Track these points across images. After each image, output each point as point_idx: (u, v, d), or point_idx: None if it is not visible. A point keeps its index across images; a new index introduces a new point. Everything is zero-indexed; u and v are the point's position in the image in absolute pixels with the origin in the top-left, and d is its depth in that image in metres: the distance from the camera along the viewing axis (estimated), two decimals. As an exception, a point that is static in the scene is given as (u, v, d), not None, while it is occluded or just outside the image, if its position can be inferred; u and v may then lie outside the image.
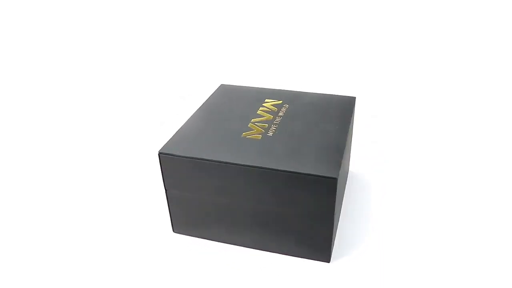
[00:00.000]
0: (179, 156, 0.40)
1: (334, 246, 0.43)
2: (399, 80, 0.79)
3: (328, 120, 0.45)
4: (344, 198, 0.49)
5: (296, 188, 0.38)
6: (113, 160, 0.58)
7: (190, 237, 0.45)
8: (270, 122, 0.45)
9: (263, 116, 0.46)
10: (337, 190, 0.37)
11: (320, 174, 0.36)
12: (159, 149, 0.41)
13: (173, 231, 0.45)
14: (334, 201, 0.37)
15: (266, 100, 0.49)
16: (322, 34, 0.94)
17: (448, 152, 0.58)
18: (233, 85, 0.54)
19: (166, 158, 0.40)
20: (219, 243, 0.44)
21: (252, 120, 0.45)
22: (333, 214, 0.38)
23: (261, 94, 0.51)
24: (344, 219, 0.47)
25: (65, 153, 0.60)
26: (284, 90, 0.52)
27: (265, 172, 0.37)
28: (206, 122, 0.45)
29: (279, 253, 0.42)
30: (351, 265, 0.41)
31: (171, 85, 0.81)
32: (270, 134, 0.42)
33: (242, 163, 0.38)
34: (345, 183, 0.50)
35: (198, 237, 0.45)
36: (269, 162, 0.38)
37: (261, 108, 0.47)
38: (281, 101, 0.49)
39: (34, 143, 0.62)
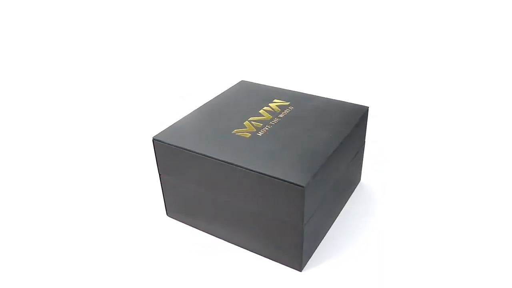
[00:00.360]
0: (169, 144, 0.42)
1: (315, 254, 0.42)
2: (402, 82, 0.79)
3: (327, 127, 0.43)
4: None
5: (267, 191, 0.38)
6: (112, 154, 0.60)
7: (181, 223, 0.47)
8: (266, 122, 0.45)
9: (263, 116, 0.46)
10: (309, 198, 0.36)
11: (288, 180, 0.36)
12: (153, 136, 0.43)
13: (167, 214, 0.48)
14: (302, 210, 0.36)
15: (274, 100, 0.49)
16: (329, 37, 0.96)
17: (449, 153, 0.58)
18: (251, 82, 0.55)
19: (159, 145, 0.43)
20: (204, 232, 0.46)
21: (250, 118, 0.45)
22: (302, 223, 0.37)
23: (272, 94, 0.51)
24: (339, 224, 0.46)
25: (66, 150, 0.61)
26: (297, 92, 0.52)
27: (237, 169, 0.38)
28: (208, 115, 0.47)
29: (255, 252, 0.43)
30: (323, 275, 0.40)
31: (185, 83, 0.81)
32: (260, 134, 0.43)
33: (216, 157, 0.39)
34: (343, 192, 0.48)
35: (188, 224, 0.47)
36: (242, 161, 0.38)
37: (264, 108, 0.48)
38: (288, 103, 0.49)
39: (33, 142, 0.63)
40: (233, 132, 0.43)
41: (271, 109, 0.47)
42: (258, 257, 0.43)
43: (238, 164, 0.38)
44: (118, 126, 0.67)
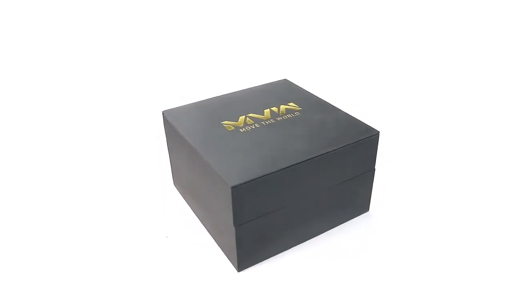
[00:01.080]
0: (169, 122, 0.46)
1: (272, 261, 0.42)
2: (400, 81, 0.79)
3: (314, 140, 0.41)
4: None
5: (211, 180, 0.39)
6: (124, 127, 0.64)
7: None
8: (260, 121, 0.45)
9: (263, 115, 0.46)
10: (241, 201, 0.36)
11: (222, 176, 0.36)
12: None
13: (174, 184, 0.53)
14: (230, 209, 0.37)
15: (289, 103, 0.48)
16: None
17: (448, 153, 0.57)
18: (291, 82, 0.54)
19: (165, 120, 0.48)
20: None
21: (249, 114, 0.46)
22: (232, 224, 0.37)
23: (294, 96, 0.50)
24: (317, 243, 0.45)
25: (67, 149, 0.61)
26: (323, 100, 0.49)
27: (197, 155, 0.40)
28: (218, 102, 0.49)
29: (215, 240, 0.44)
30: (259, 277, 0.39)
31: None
32: (242, 130, 0.43)
33: (189, 141, 0.42)
34: (328, 213, 0.44)
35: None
36: (203, 148, 0.41)
37: (272, 108, 0.47)
38: (300, 108, 0.47)
39: (31, 144, 0.64)
40: (222, 122, 0.45)
41: (276, 110, 0.47)
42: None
43: (198, 150, 0.40)
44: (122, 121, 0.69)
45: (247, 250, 0.40)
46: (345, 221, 0.46)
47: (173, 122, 0.46)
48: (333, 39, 0.93)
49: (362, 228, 0.45)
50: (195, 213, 0.48)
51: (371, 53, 0.89)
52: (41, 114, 0.70)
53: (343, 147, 0.40)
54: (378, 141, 0.43)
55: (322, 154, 0.39)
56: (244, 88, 0.53)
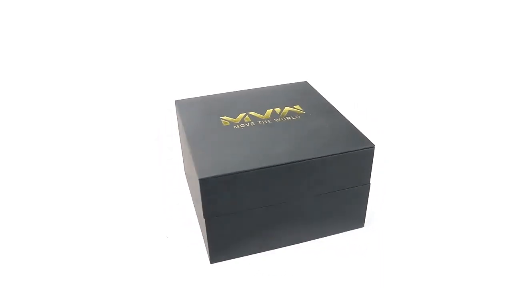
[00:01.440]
0: (176, 112, 0.48)
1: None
2: (399, 81, 0.79)
3: (303, 145, 0.40)
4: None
5: (193, 171, 0.40)
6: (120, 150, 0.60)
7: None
8: (258, 119, 0.45)
9: (263, 114, 0.46)
10: (212, 195, 0.37)
11: (196, 168, 0.37)
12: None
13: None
14: (206, 202, 0.37)
15: (294, 106, 0.47)
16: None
17: (447, 154, 0.57)
18: (310, 85, 0.53)
19: (177, 108, 0.49)
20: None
21: (250, 112, 0.46)
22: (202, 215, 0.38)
23: (303, 99, 0.49)
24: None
25: (67, 149, 0.61)
26: (331, 104, 0.47)
27: (184, 145, 0.42)
28: (228, 97, 0.50)
29: None
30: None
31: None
32: (235, 127, 0.43)
33: (185, 131, 0.44)
34: (314, 222, 0.43)
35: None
36: (190, 138, 0.42)
37: (275, 108, 0.47)
38: (303, 112, 0.46)
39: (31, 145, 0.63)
40: (221, 117, 0.45)
41: (278, 111, 0.46)
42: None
43: (188, 140, 0.42)
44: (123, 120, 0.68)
45: (220, 244, 0.40)
46: (337, 233, 0.44)
47: (178, 111, 0.47)
48: (374, 44, 0.90)
49: (352, 242, 0.43)
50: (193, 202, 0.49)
51: (406, 61, 0.85)
52: (41, 114, 0.71)
53: (330, 155, 0.39)
54: (373, 155, 0.40)
55: (305, 160, 0.38)
56: (261, 87, 0.53)
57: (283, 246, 0.43)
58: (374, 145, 0.40)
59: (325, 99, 0.49)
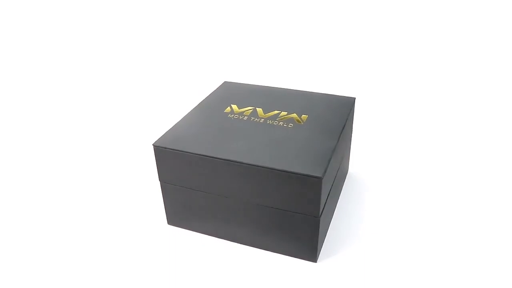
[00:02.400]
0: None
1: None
2: (398, 80, 0.80)
3: (263, 152, 0.40)
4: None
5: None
6: (111, 157, 0.59)
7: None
8: (253, 116, 0.46)
9: (266, 114, 0.46)
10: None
11: (159, 138, 0.42)
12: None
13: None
14: (159, 167, 0.42)
15: (302, 116, 0.46)
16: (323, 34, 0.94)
17: (447, 153, 0.58)
18: (351, 103, 0.49)
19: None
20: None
21: (258, 108, 0.47)
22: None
23: (320, 112, 0.46)
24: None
25: (62, 156, 0.60)
26: (340, 128, 0.43)
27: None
28: (266, 91, 0.51)
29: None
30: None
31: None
32: (230, 116, 0.46)
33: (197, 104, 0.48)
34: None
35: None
36: (191, 110, 0.47)
37: (283, 112, 0.46)
38: (302, 123, 0.44)
39: (32, 141, 0.63)
40: (231, 104, 0.48)
41: (282, 115, 0.46)
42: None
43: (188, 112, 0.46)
44: (117, 125, 0.67)
45: (175, 209, 0.45)
46: (287, 255, 0.42)
47: (215, 90, 0.52)
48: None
49: (295, 271, 0.41)
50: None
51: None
52: (40, 114, 0.71)
53: (270, 168, 0.37)
54: (319, 186, 0.36)
55: (248, 164, 0.38)
56: (315, 91, 0.53)
57: (238, 242, 0.44)
58: (322, 177, 0.36)
59: (347, 119, 0.45)
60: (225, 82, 0.55)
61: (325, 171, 0.37)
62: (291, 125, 0.44)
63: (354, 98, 0.49)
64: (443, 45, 0.90)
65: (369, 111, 0.70)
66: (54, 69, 0.88)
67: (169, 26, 1.00)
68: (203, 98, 0.52)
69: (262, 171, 0.38)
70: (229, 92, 0.51)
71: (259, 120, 0.45)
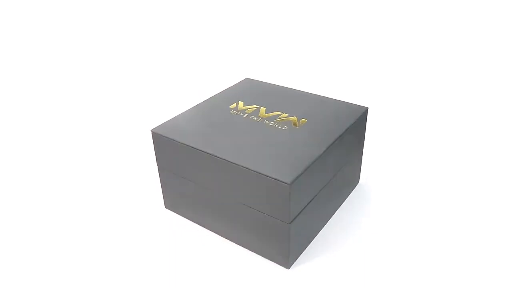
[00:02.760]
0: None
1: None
2: (402, 83, 0.79)
3: (249, 152, 0.40)
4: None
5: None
6: (125, 143, 0.61)
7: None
8: (253, 115, 0.46)
9: (267, 114, 0.46)
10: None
11: (159, 125, 0.45)
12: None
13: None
14: (157, 153, 0.45)
15: (301, 120, 0.45)
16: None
17: (449, 159, 0.57)
18: (363, 111, 0.46)
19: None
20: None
21: (262, 107, 0.47)
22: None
23: (320, 119, 0.45)
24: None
25: (64, 145, 0.61)
26: (337, 136, 0.42)
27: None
28: (280, 91, 0.51)
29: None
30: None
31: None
32: (232, 112, 0.46)
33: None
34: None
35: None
36: (202, 102, 0.49)
37: (284, 114, 0.46)
38: (297, 128, 0.43)
39: (30, 138, 0.64)
40: (239, 101, 0.49)
41: (282, 116, 0.45)
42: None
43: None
44: (118, 120, 0.68)
45: (170, 195, 0.47)
46: (261, 255, 0.42)
47: (234, 85, 0.53)
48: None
49: (267, 274, 0.41)
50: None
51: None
52: (40, 114, 0.72)
53: (244, 168, 0.38)
54: (288, 193, 0.36)
55: (227, 161, 0.39)
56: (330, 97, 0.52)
57: (222, 236, 0.45)
58: (290, 184, 0.35)
59: (348, 128, 0.44)
60: (246, 78, 0.55)
61: (296, 178, 0.36)
62: (285, 127, 0.43)
63: (367, 108, 0.47)
64: (446, 51, 0.90)
65: (396, 122, 0.66)
66: (56, 64, 0.90)
67: (217, 25, 1.05)
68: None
69: (238, 169, 0.38)
70: (244, 88, 0.52)
71: (257, 119, 0.45)
